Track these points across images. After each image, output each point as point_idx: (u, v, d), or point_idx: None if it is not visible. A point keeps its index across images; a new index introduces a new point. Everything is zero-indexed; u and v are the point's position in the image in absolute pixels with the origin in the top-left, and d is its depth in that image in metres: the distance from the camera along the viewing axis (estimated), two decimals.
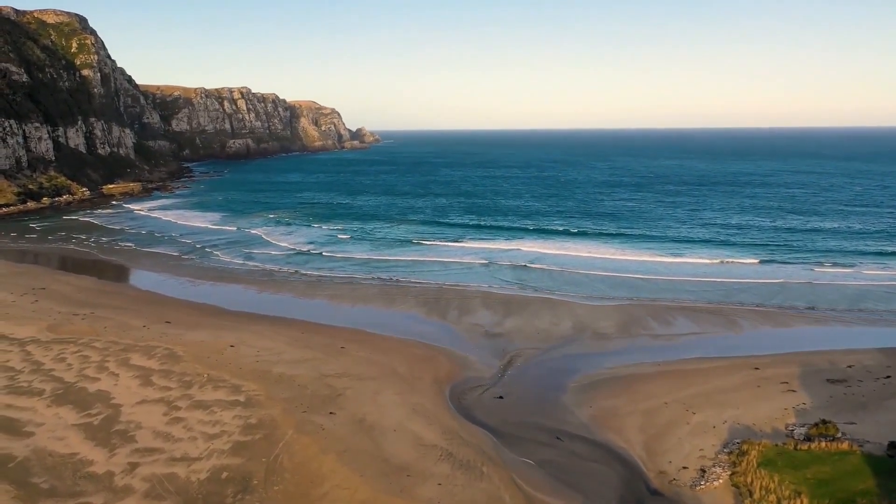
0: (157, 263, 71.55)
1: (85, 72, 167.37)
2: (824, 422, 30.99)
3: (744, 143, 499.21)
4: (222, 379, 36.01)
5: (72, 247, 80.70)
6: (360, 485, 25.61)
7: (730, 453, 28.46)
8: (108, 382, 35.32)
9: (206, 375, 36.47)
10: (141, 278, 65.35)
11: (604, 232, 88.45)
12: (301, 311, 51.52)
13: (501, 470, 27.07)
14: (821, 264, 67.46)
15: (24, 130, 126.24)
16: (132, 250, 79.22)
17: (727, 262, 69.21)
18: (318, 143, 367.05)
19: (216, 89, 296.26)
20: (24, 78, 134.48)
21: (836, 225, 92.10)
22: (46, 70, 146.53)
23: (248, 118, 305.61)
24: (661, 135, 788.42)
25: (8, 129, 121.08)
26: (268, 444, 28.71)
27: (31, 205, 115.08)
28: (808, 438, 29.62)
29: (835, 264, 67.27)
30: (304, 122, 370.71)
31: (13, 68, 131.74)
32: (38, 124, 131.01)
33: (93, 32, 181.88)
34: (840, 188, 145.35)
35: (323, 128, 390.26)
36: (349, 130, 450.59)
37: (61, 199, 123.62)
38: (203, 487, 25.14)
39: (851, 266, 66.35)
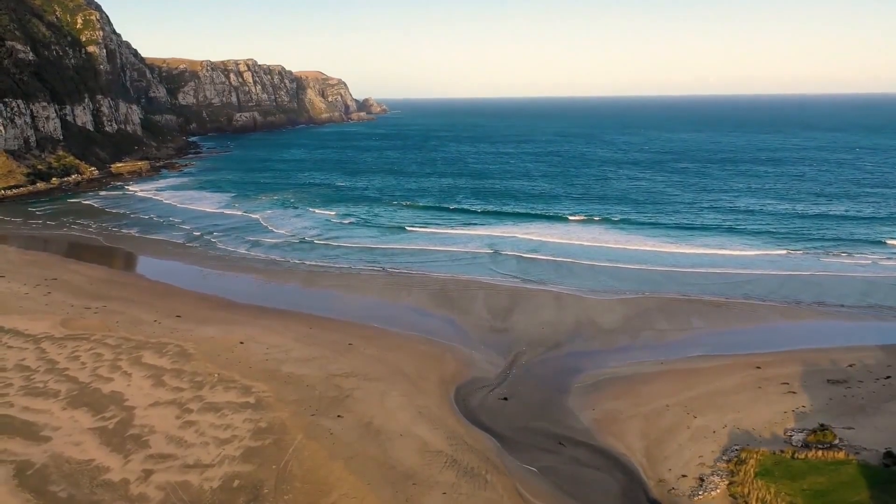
0: (164, 251, 72.26)
1: (91, 48, 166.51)
2: (822, 427, 31.53)
3: (746, 112, 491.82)
4: (233, 379, 36.80)
5: (77, 233, 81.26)
6: (367, 493, 26.41)
7: (728, 461, 29.04)
8: (121, 383, 36.21)
9: (216, 375, 37.29)
10: (149, 267, 66.07)
11: (611, 218, 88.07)
12: (308, 304, 52.18)
13: (505, 478, 27.78)
14: (830, 254, 66.80)
15: (31, 110, 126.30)
16: (138, 237, 79.81)
17: (734, 252, 68.86)
18: (324, 115, 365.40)
19: (222, 62, 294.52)
20: (31, 56, 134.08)
21: (846, 209, 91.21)
22: (52, 48, 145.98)
23: (254, 91, 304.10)
24: (665, 102, 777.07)
25: (16, 109, 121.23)
26: (277, 449, 29.52)
27: (40, 185, 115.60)
28: (807, 445, 30.16)
29: (845, 254, 66.64)
30: (311, 94, 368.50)
31: (19, 46, 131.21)
32: (45, 103, 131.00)
33: (98, 7, 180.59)
34: (849, 165, 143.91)
35: (329, 99, 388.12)
36: (356, 101, 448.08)
37: (70, 178, 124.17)
38: (216, 496, 26.00)
39: (862, 255, 65.83)
